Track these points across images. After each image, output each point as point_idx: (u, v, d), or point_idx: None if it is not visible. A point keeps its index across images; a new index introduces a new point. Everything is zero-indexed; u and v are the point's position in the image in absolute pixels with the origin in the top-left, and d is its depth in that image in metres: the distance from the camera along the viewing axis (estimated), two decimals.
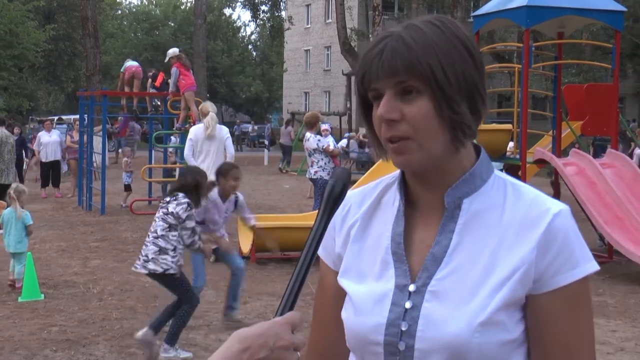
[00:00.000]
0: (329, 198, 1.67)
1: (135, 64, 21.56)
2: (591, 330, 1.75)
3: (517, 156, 14.36)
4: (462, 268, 1.72)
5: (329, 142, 14.36)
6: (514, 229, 1.72)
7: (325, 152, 14.04)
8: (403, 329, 1.73)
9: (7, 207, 10.81)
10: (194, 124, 16.92)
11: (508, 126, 15.71)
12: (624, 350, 8.26)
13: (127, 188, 19.71)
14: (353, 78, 46.91)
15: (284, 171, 31.74)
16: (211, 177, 12.99)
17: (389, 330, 1.75)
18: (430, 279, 1.74)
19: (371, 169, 14.69)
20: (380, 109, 1.71)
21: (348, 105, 50.21)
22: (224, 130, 13.32)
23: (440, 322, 1.69)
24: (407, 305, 1.74)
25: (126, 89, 21.59)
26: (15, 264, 10.60)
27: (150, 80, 22.24)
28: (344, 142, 30.34)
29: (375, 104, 1.74)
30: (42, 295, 10.17)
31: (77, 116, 40.42)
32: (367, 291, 1.82)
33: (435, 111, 1.68)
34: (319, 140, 14.20)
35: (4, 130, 16.35)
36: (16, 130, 23.42)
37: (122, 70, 21.33)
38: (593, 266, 1.72)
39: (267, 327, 1.52)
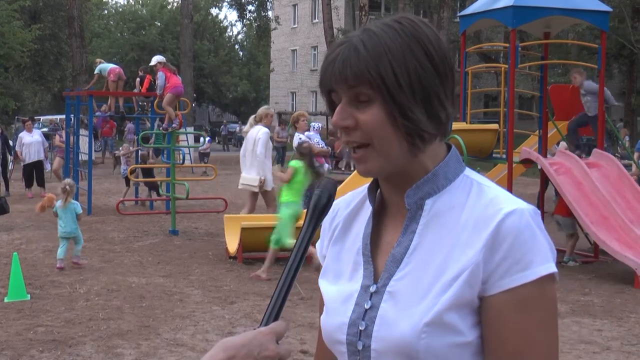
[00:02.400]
0: (315, 209, 1.67)
1: (116, 66, 21.49)
2: (546, 335, 1.65)
3: (504, 156, 14.39)
4: (418, 269, 1.71)
5: (308, 140, 14.35)
6: (469, 229, 1.68)
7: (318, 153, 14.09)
8: (361, 328, 1.73)
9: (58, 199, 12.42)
10: (180, 126, 16.94)
11: (494, 126, 15.75)
12: (610, 350, 8.29)
13: (128, 182, 19.72)
14: None
15: None
16: (250, 175, 13.32)
17: (350, 330, 1.75)
18: (389, 280, 1.74)
19: (353, 173, 14.74)
20: (334, 117, 1.71)
21: None
22: (261, 132, 13.46)
23: (392, 322, 1.69)
24: (367, 305, 1.75)
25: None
26: (74, 246, 12.21)
27: (138, 81, 22.19)
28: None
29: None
30: (29, 295, 10.13)
31: (56, 116, 40.45)
32: (336, 291, 1.83)
33: (387, 118, 1.66)
34: (300, 138, 14.22)
35: None
36: None
37: (98, 72, 21.13)
38: (548, 268, 1.63)
39: (251, 337, 1.52)
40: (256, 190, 13.48)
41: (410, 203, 1.75)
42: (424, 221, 1.74)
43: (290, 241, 11.19)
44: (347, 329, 1.76)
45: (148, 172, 19.15)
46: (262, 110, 13.93)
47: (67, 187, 12.28)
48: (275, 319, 1.58)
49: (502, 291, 1.63)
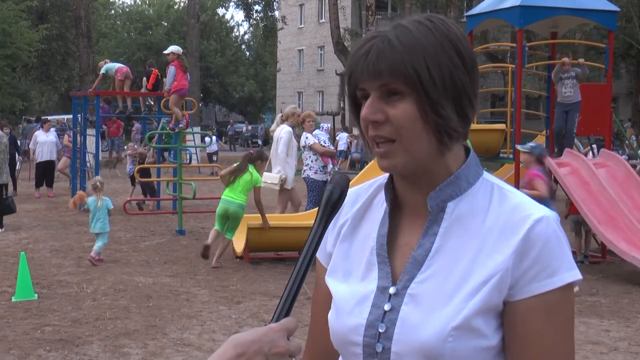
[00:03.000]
0: (327, 204, 1.65)
1: (123, 65, 21.46)
2: (567, 341, 1.69)
3: (510, 156, 14.37)
4: (441, 272, 1.71)
5: (314, 140, 14.36)
6: (495, 234, 1.69)
7: (312, 149, 14.08)
8: (381, 330, 1.72)
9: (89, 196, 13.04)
10: (187, 125, 16.92)
11: (501, 126, 15.73)
12: (617, 350, 8.27)
13: (133, 182, 19.73)
14: None
15: None
16: (271, 173, 13.53)
17: (368, 332, 1.74)
18: (410, 282, 1.72)
19: (365, 168, 14.71)
20: (364, 111, 1.70)
21: (342, 105, 50.23)
22: (284, 131, 13.63)
23: (416, 325, 1.68)
24: (386, 307, 1.73)
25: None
26: (98, 241, 12.54)
27: (145, 80, 22.18)
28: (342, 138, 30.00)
29: (364, 104, 1.72)
30: (36, 295, 10.15)
31: (63, 116, 40.49)
32: (349, 291, 1.81)
33: (419, 114, 1.66)
34: (307, 138, 14.23)
35: None
36: (6, 129, 23.41)
37: (104, 72, 21.09)
38: (573, 275, 1.67)
39: (262, 333, 1.50)
40: (277, 188, 13.53)
41: (433, 205, 1.75)
42: (445, 224, 1.74)
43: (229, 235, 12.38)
44: (364, 331, 1.74)
45: (145, 172, 19.05)
46: (288, 109, 14.01)
47: (98, 183, 12.83)
48: (286, 315, 1.56)
49: (529, 297, 1.65)
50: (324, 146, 14.33)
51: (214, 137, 32.01)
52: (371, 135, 1.71)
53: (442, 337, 1.64)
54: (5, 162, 16.04)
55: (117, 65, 21.19)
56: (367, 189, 1.93)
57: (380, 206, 1.86)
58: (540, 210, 1.69)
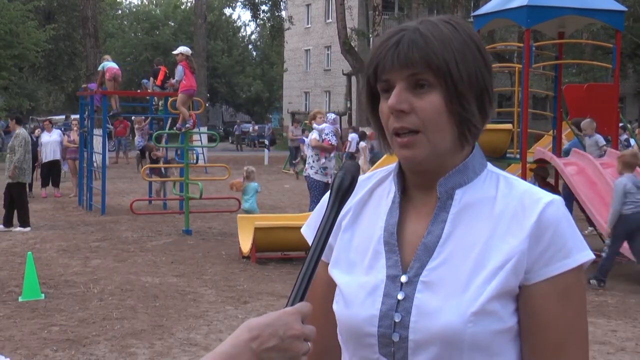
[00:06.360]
0: (338, 191, 1.68)
1: (115, 65, 21.44)
2: (583, 322, 1.73)
3: (517, 156, 14.35)
4: (454, 258, 1.72)
5: (314, 135, 14.38)
6: (506, 219, 1.72)
7: (315, 147, 14.11)
8: (396, 320, 1.72)
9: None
10: (194, 125, 16.91)
11: (508, 126, 15.71)
12: (624, 351, 8.25)
13: (143, 154, 19.92)
14: (353, 78, 47.20)
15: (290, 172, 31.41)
16: None
17: (383, 322, 1.74)
18: (422, 269, 1.74)
19: (377, 163, 14.77)
20: (390, 100, 1.72)
21: (348, 105, 50.26)
22: None
23: (433, 312, 1.69)
24: (400, 296, 1.74)
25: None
26: None
27: (152, 80, 22.19)
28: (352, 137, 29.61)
29: (384, 97, 1.75)
30: (43, 295, 10.16)
31: (70, 116, 40.54)
32: (357, 282, 1.81)
33: (445, 106, 1.70)
34: (311, 134, 14.31)
35: (23, 129, 16.33)
36: (37, 131, 23.52)
37: (100, 68, 21.13)
38: (586, 255, 1.71)
39: (276, 317, 1.53)
40: None
41: (442, 192, 1.77)
42: (454, 210, 1.77)
43: None
44: (378, 321, 1.75)
45: (156, 162, 19.33)
46: None
47: (246, 172, 14.77)
48: (301, 299, 1.59)
49: (545, 279, 1.69)
50: (323, 140, 14.32)
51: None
52: (395, 127, 1.73)
53: (463, 322, 1.66)
54: (30, 161, 16.06)
55: (109, 64, 21.22)
56: (365, 181, 1.95)
57: (385, 197, 1.88)
58: (548, 195, 1.74)
